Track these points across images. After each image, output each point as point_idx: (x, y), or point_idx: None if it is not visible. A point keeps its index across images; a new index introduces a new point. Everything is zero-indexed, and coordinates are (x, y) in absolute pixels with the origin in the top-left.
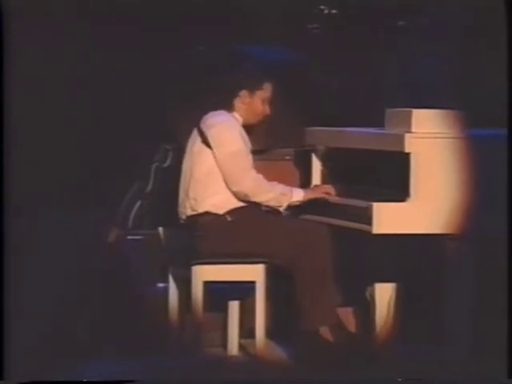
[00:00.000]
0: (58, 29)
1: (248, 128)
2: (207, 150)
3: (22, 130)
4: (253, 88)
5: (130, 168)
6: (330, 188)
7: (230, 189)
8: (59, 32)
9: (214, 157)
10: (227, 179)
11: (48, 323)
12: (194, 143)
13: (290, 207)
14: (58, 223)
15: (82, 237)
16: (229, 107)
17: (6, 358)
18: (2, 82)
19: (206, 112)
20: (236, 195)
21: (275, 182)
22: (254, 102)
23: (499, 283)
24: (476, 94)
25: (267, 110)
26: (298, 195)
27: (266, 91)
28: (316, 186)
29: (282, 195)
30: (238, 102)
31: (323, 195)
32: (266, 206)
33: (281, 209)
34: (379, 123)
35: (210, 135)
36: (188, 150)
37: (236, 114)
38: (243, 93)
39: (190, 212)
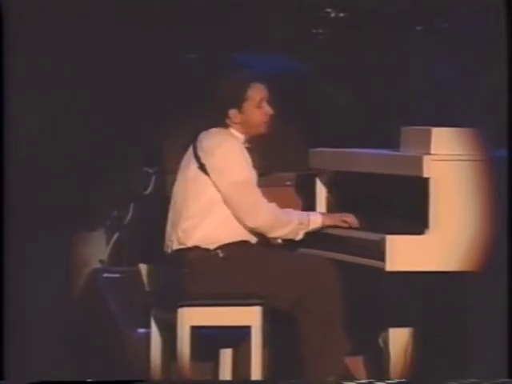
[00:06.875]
0: (58, 29)
1: (254, 140)
2: (205, 177)
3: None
4: (238, 102)
5: (107, 194)
6: (350, 217)
7: (243, 225)
8: (59, 32)
9: (216, 186)
10: (238, 215)
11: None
12: (189, 168)
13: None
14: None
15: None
16: (223, 125)
17: (6, 358)
18: (2, 83)
19: (196, 131)
20: (251, 232)
21: (290, 210)
22: (249, 114)
23: None
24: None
25: (268, 110)
26: (315, 222)
27: (255, 95)
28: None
29: (299, 225)
30: (230, 122)
31: (342, 223)
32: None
33: (296, 238)
34: (394, 143)
35: (209, 162)
36: (180, 175)
37: (234, 131)
38: (232, 112)
39: (176, 246)
